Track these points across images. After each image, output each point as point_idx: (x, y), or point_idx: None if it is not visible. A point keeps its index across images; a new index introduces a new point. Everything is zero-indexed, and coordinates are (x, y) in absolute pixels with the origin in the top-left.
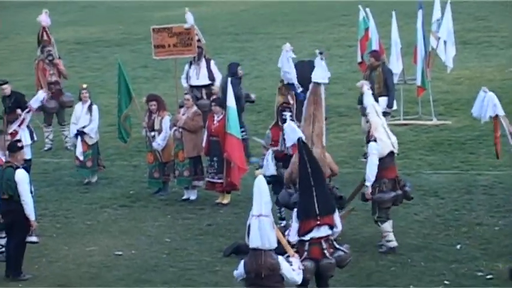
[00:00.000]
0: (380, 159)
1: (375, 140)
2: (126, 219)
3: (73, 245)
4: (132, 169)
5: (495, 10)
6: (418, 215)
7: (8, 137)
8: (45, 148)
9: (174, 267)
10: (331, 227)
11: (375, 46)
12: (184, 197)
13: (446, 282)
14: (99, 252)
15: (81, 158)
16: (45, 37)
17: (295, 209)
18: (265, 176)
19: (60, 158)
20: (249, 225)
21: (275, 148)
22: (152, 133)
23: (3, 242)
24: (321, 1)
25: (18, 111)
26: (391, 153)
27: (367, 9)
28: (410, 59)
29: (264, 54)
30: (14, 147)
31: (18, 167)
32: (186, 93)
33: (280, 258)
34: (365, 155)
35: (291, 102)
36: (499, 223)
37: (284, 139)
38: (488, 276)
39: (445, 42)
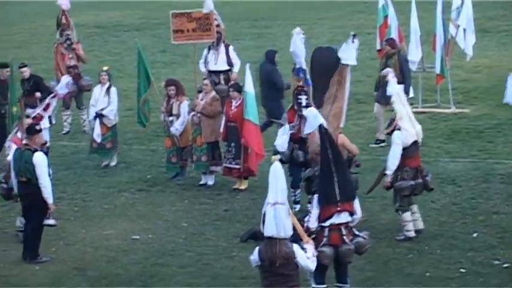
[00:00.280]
0: (404, 148)
1: (399, 129)
2: (143, 204)
3: (90, 229)
4: (150, 153)
5: None
6: (435, 203)
7: (30, 121)
8: (63, 132)
9: (191, 251)
10: (351, 213)
11: (394, 33)
12: (201, 182)
13: (462, 270)
14: (116, 236)
15: (98, 140)
16: (64, 20)
17: (316, 195)
18: (279, 154)
19: (78, 141)
20: (264, 213)
21: (292, 124)
22: (170, 118)
23: (21, 222)
24: None
25: (37, 94)
26: (415, 142)
27: None
28: (430, 47)
29: (282, 40)
30: (32, 130)
31: (36, 150)
32: (204, 78)
33: (295, 247)
34: (377, 141)
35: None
36: None
37: (300, 122)
38: (505, 265)
39: (464, 30)
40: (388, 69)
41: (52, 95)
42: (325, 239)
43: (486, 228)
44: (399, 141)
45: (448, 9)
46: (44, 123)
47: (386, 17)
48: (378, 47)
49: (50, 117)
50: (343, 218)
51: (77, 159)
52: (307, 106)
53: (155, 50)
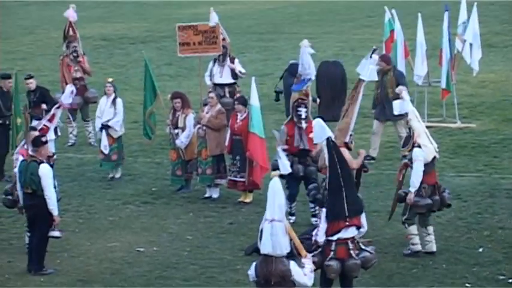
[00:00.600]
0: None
1: (419, 146)
2: (148, 216)
3: (95, 241)
4: (155, 166)
5: None
6: (440, 218)
7: (36, 133)
8: (69, 143)
9: (195, 264)
10: (358, 227)
11: (400, 48)
12: (206, 195)
13: (467, 285)
14: (121, 248)
15: (106, 151)
16: (71, 32)
17: (324, 210)
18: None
19: (83, 153)
20: (262, 230)
21: (284, 147)
22: (176, 130)
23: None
24: (347, 1)
25: (43, 106)
26: (434, 158)
27: (393, 11)
28: (436, 62)
29: (288, 53)
30: (38, 142)
31: (42, 162)
32: (210, 91)
33: (292, 264)
34: (367, 157)
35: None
36: None
37: (300, 134)
38: (510, 280)
39: (470, 44)
40: (401, 87)
41: (57, 105)
42: (331, 253)
43: (491, 243)
44: (421, 157)
45: (455, 23)
46: (50, 135)
47: (392, 31)
48: None
49: (55, 128)
50: (350, 232)
51: (82, 172)
52: (306, 118)
53: (160, 62)
